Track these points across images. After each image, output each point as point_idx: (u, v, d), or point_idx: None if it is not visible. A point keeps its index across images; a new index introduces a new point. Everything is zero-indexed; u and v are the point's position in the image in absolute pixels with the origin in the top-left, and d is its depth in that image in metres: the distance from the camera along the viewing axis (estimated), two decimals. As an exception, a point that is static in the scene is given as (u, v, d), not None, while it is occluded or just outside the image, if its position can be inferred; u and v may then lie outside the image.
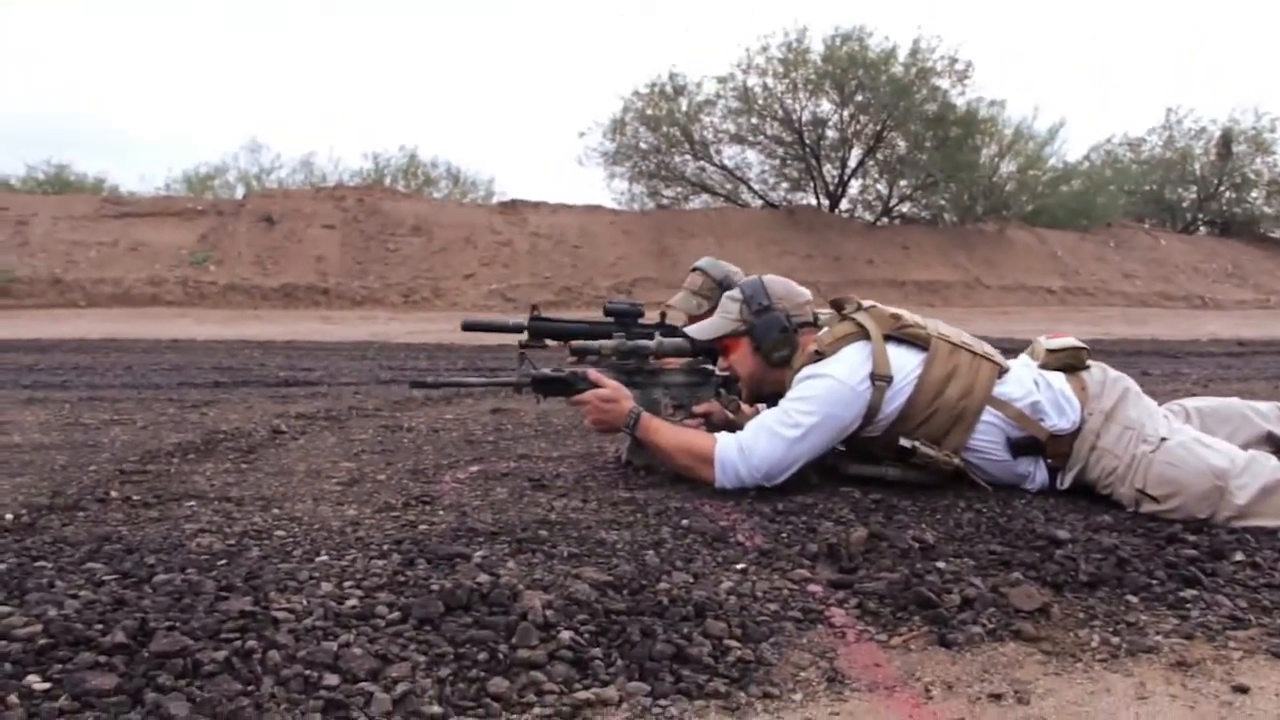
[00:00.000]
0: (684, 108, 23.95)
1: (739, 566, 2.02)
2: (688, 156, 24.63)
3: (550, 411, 4.14)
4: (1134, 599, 1.91)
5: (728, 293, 2.92)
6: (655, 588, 1.84)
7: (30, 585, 1.78)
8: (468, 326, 3.42)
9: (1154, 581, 1.98)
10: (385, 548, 2.07)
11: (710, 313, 4.23)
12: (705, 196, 25.42)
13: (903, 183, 24.31)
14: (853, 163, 24.14)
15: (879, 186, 24.98)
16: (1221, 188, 29.03)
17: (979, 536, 2.26)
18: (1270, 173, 28.89)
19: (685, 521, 2.33)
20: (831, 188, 24.62)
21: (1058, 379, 2.72)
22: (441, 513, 2.39)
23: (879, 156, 23.82)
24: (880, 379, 2.60)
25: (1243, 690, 1.54)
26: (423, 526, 2.25)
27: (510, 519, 2.31)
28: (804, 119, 23.44)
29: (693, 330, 2.95)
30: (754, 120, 23.82)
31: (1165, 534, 2.28)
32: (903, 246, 22.54)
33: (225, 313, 17.38)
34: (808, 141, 23.64)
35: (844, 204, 25.01)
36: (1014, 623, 1.78)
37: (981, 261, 22.49)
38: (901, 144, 23.29)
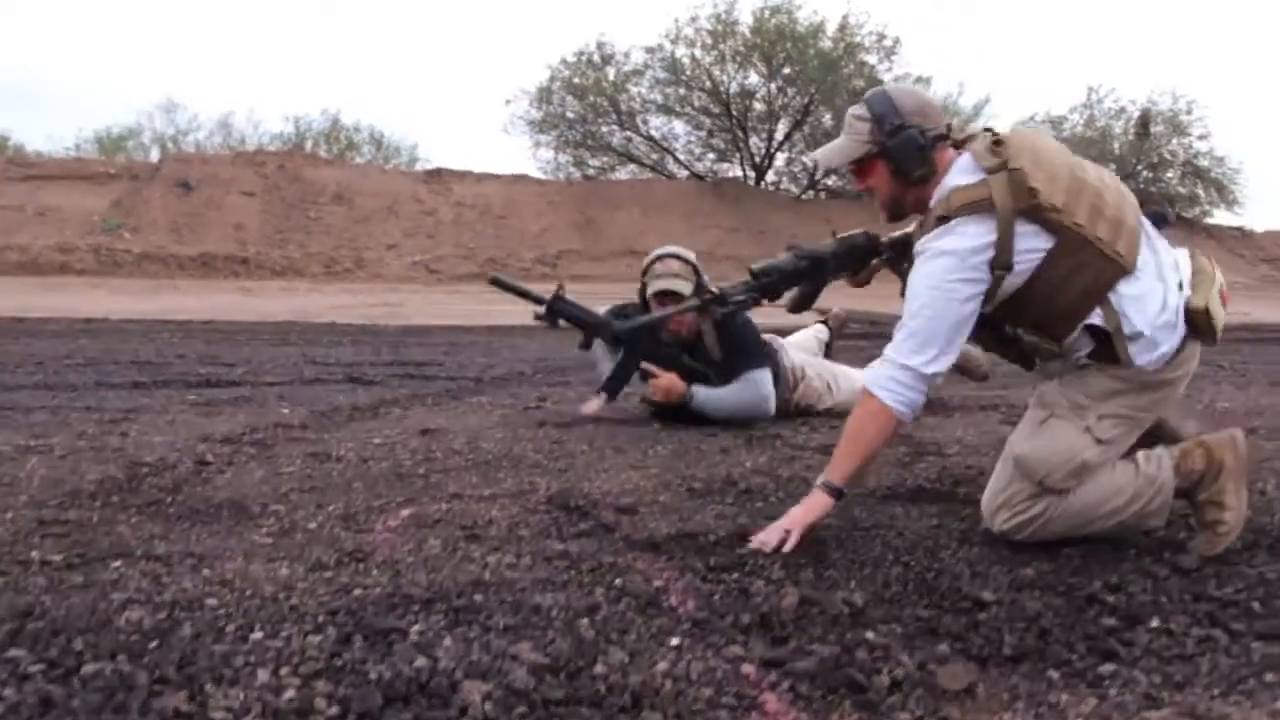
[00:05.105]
0: (611, 77, 23.84)
1: (674, 642, 2.06)
2: (614, 126, 24.58)
3: (479, 435, 4.14)
4: (1055, 674, 1.99)
5: (853, 110, 2.70)
6: (592, 671, 1.87)
7: (-50, 686, 1.73)
8: (495, 281, 3.60)
9: (1074, 656, 2.07)
10: (320, 619, 2.06)
11: (696, 289, 4.12)
12: (631, 167, 25.40)
13: (829, 157, 24.50)
14: (780, 135, 24.29)
15: (805, 160, 25.18)
16: (1139, 167, 29.74)
17: (907, 597, 2.33)
18: (1185, 154, 29.74)
19: (618, 581, 2.36)
20: (758, 160, 24.78)
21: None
22: (375, 572, 2.38)
23: (806, 130, 24.00)
24: (1000, 268, 2.49)
25: (1156, 783, 1.62)
26: (357, 591, 2.24)
27: (444, 580, 2.31)
28: (731, 90, 23.53)
29: (820, 155, 2.79)
30: (681, 91, 23.84)
31: (1085, 593, 2.37)
32: (827, 220, 22.79)
33: (140, 283, 16.93)
34: (735, 113, 23.73)
35: (770, 176, 25.20)
36: (941, 707, 1.84)
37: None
38: (828, 118, 23.48)
